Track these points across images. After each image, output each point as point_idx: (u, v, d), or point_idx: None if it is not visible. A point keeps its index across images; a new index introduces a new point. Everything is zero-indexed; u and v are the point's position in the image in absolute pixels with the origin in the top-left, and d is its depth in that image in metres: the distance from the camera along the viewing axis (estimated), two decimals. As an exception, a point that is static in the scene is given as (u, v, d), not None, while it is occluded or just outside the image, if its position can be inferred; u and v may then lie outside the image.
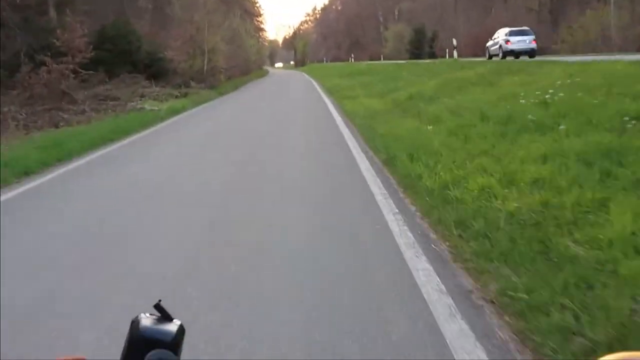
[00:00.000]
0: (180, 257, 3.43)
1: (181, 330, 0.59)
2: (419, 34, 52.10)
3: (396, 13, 72.28)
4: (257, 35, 57.15)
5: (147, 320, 0.58)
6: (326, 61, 73.05)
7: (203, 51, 22.86)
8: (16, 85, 13.99)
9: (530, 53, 18.45)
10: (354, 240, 3.64)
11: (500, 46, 19.96)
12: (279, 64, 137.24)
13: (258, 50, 46.84)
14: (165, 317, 0.59)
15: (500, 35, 20.64)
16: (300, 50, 74.20)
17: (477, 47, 33.66)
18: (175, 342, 0.56)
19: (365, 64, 39.07)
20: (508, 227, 3.39)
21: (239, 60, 29.78)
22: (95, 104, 14.37)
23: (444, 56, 31.16)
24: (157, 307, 0.59)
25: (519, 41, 19.07)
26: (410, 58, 44.56)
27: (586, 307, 2.35)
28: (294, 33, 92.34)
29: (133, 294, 2.79)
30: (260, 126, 11.01)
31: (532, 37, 19.33)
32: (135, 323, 0.57)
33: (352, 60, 64.22)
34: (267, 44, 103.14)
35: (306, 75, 33.26)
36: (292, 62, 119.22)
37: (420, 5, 62.25)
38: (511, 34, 19.67)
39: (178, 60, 21.91)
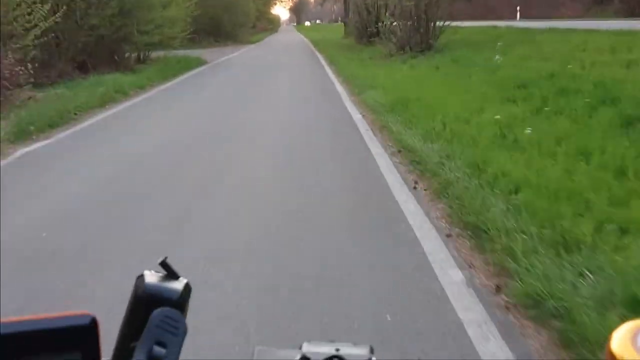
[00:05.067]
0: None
1: (187, 288, 0.53)
2: None
3: None
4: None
5: (152, 277, 0.53)
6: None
7: None
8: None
9: None
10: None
11: None
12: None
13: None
14: (172, 274, 0.53)
15: None
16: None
17: None
18: (181, 301, 0.52)
19: None
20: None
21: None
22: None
23: None
24: (163, 264, 0.53)
25: None
26: None
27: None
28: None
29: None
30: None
31: None
32: (140, 280, 0.53)
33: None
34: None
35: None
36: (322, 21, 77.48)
37: None
38: None
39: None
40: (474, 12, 36.74)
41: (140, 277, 0.53)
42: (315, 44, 26.05)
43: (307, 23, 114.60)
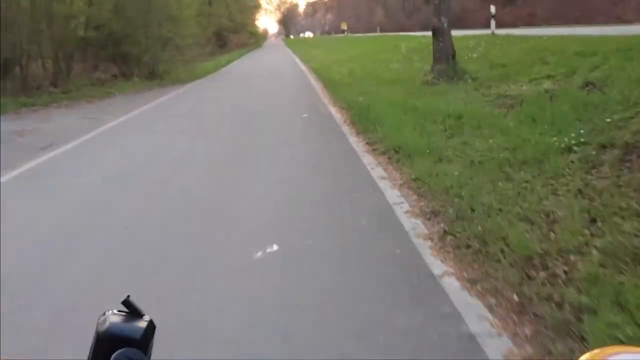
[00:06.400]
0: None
1: (151, 326, 0.53)
2: None
3: None
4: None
5: (114, 317, 0.53)
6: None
7: None
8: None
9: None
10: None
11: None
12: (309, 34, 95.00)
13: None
14: (134, 313, 0.53)
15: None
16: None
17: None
18: (144, 340, 0.51)
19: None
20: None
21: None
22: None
23: None
24: (126, 303, 0.53)
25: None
26: None
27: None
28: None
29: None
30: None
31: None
32: (102, 320, 0.52)
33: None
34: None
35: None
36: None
37: None
38: None
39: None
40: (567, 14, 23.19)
41: (102, 316, 0.51)
42: (354, 114, 7.89)
43: (309, 34, 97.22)
